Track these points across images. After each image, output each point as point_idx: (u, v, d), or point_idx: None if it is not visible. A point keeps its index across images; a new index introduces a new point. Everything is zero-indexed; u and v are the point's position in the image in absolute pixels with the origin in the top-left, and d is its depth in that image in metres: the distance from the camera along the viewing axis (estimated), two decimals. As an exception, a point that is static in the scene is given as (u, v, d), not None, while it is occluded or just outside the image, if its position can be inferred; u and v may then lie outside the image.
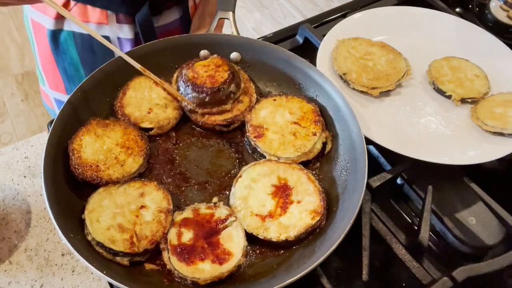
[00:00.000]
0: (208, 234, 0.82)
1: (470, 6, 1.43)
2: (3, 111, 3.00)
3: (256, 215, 0.84)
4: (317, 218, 0.83)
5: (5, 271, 0.90)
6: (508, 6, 1.30)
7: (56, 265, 0.92)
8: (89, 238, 0.79)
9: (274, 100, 1.01)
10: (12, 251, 0.93)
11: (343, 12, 1.38)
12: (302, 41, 1.28)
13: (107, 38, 1.20)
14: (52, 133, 0.87)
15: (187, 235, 0.81)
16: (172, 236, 0.81)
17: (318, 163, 0.97)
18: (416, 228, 0.93)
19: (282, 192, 0.88)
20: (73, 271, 0.91)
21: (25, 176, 1.04)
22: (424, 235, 0.89)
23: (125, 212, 0.83)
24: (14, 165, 1.06)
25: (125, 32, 1.20)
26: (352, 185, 0.88)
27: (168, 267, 0.79)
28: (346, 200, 0.87)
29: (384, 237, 0.90)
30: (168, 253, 0.79)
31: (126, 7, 1.14)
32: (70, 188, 0.86)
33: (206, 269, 0.77)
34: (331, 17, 1.37)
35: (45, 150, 0.84)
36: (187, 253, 0.79)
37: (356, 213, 0.79)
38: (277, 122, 0.97)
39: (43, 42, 1.25)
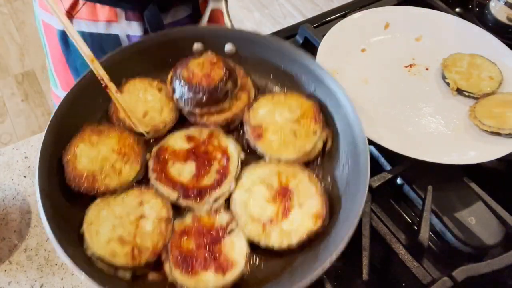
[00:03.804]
0: (210, 243, 0.79)
1: (470, 6, 1.43)
2: (3, 111, 3.00)
3: (257, 220, 0.82)
4: (320, 221, 0.81)
5: (5, 271, 0.90)
6: (508, 7, 1.30)
7: (56, 265, 0.92)
8: (89, 253, 0.76)
9: (272, 98, 0.98)
10: (12, 251, 0.93)
11: (343, 12, 1.37)
12: (302, 41, 1.28)
13: (116, 36, 1.20)
14: (44, 143, 0.82)
15: (189, 245, 0.79)
16: (173, 246, 0.79)
17: (319, 162, 0.96)
18: (416, 228, 0.93)
19: (283, 195, 0.85)
20: (73, 271, 0.91)
21: (25, 176, 1.04)
22: (424, 235, 0.89)
23: (124, 223, 0.80)
24: (14, 165, 1.06)
25: (134, 29, 1.19)
26: (354, 185, 0.86)
27: (169, 279, 0.76)
28: (348, 200, 0.85)
29: (384, 237, 0.90)
30: (169, 264, 0.77)
31: (134, 4, 1.14)
32: (66, 200, 0.82)
33: (209, 280, 0.75)
34: (331, 17, 1.36)
35: (38, 163, 0.79)
36: (189, 263, 0.76)
37: (360, 214, 0.77)
38: (276, 122, 0.95)
39: (54, 44, 1.25)
